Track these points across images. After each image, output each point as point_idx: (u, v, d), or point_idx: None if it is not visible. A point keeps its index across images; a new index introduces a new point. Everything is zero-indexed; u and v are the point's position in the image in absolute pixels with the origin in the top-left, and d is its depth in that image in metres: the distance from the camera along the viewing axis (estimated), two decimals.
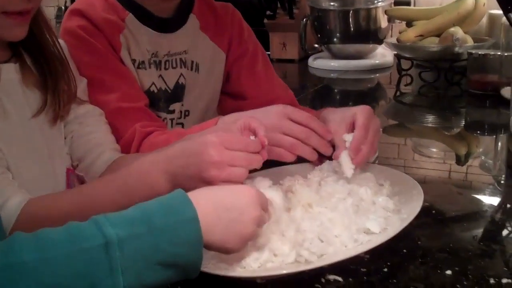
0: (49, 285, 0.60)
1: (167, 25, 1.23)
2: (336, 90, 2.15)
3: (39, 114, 0.96)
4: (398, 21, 2.31)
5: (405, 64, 2.11)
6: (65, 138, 1.02)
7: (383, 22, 2.25)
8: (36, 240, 0.63)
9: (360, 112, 1.02)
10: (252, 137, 0.87)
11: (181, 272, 0.68)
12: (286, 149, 0.97)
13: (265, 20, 2.41)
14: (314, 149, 1.00)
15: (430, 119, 1.72)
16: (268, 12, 2.41)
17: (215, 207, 0.72)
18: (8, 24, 0.88)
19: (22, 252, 0.61)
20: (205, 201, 0.71)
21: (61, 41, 1.05)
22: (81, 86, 1.06)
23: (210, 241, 0.70)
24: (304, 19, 2.28)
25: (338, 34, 2.28)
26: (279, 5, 2.40)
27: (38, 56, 0.98)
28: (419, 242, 0.88)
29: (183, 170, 0.82)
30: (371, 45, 2.30)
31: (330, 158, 1.02)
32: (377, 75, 2.24)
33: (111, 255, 0.63)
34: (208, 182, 0.79)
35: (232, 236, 0.72)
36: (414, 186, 0.93)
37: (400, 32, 2.12)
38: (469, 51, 1.83)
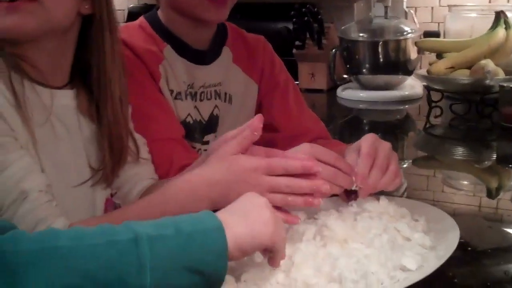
0: (78, 272, 0.61)
1: (202, 57, 1.25)
2: (365, 121, 2.15)
3: (96, 184, 0.98)
4: (428, 52, 2.31)
5: (435, 96, 2.10)
6: None
7: (413, 54, 2.26)
8: (71, 231, 0.65)
9: (363, 141, 1.01)
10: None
11: (205, 281, 0.68)
12: None
13: (294, 50, 2.42)
14: None
15: (460, 152, 1.71)
16: (297, 42, 2.42)
17: (231, 211, 0.75)
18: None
19: (57, 239, 0.63)
20: (224, 211, 0.74)
21: None
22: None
23: (239, 236, 0.71)
24: (333, 50, 2.29)
25: (367, 65, 2.28)
26: (308, 35, 2.42)
27: (95, 84, 0.99)
28: (455, 280, 0.87)
29: (224, 197, 0.83)
30: (400, 77, 2.30)
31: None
32: (406, 106, 2.24)
33: (140, 250, 0.64)
34: None
35: (254, 222, 0.73)
36: (450, 222, 0.92)
37: (430, 64, 2.12)
38: (500, 84, 1.83)
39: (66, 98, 0.97)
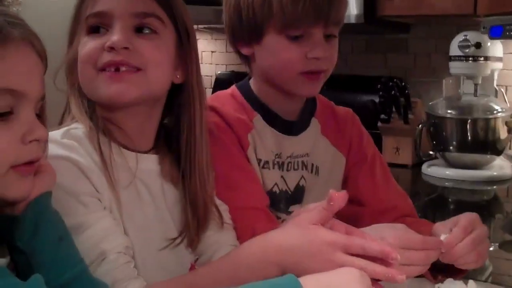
0: None
1: (291, 127, 1.26)
2: (450, 200, 2.09)
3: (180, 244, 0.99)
4: None
5: None
6: None
7: (503, 133, 2.19)
8: None
9: (464, 216, 1.02)
10: None
11: None
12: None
13: (379, 124, 2.41)
14: None
15: None
16: (382, 116, 2.41)
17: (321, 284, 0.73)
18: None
19: None
20: (313, 282, 0.72)
21: None
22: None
23: None
24: (420, 125, 2.26)
25: (454, 143, 2.23)
26: (394, 109, 2.40)
27: (182, 151, 1.01)
28: None
29: (295, 265, 0.82)
30: (489, 156, 2.23)
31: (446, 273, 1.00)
32: (494, 187, 2.16)
33: None
34: None
35: None
36: None
37: None
38: None
39: (150, 163, 0.99)
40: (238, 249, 0.90)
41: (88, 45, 0.94)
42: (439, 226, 1.04)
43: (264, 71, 1.23)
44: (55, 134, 0.90)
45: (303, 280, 0.73)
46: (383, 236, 0.93)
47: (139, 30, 0.95)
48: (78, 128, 0.93)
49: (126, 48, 0.92)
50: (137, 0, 0.95)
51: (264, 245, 0.87)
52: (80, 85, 0.96)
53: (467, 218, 1.01)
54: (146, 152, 1.00)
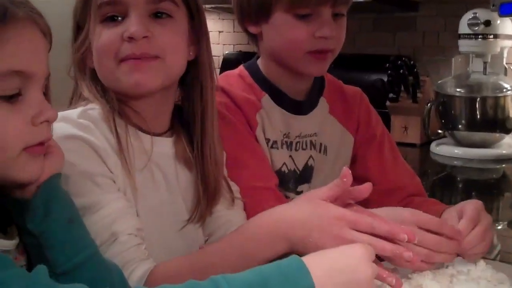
0: None
1: (300, 107, 1.26)
2: (459, 179, 2.09)
3: (192, 221, 1.00)
4: None
5: None
6: None
7: None
8: None
9: (469, 203, 1.01)
10: None
11: None
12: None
13: (388, 103, 2.40)
14: None
15: None
16: (391, 95, 2.40)
17: (330, 273, 0.72)
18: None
19: None
20: (319, 268, 0.71)
21: None
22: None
23: None
24: (429, 104, 2.25)
25: (463, 121, 2.22)
26: (402, 88, 2.39)
27: (196, 129, 1.01)
28: None
29: (303, 240, 0.83)
30: (498, 135, 2.22)
31: None
32: (503, 165, 2.15)
33: None
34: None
35: (351, 282, 0.72)
36: None
37: None
38: None
39: (165, 145, 0.99)
40: (247, 223, 0.91)
41: (104, 35, 0.93)
42: (445, 216, 1.03)
43: (271, 50, 1.22)
44: (71, 114, 0.90)
45: (307, 258, 0.73)
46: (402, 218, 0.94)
47: (154, 15, 0.94)
48: (95, 109, 0.93)
49: (145, 37, 0.92)
50: None
51: (273, 219, 0.88)
52: (91, 70, 0.96)
53: (473, 208, 1.00)
54: (161, 135, 1.00)
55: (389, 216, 0.95)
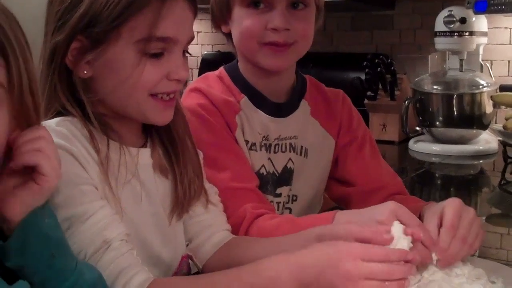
0: None
1: (279, 109, 1.26)
2: (437, 175, 2.10)
3: (172, 214, 1.00)
4: (504, 107, 2.25)
5: (511, 152, 2.04)
6: None
7: (488, 108, 2.21)
8: None
9: (447, 207, 0.99)
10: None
11: None
12: None
13: (366, 101, 2.41)
14: None
15: None
16: (369, 93, 2.42)
17: None
18: (155, 108, 0.92)
19: None
20: None
21: None
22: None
23: None
24: (406, 101, 2.26)
25: (440, 118, 2.24)
26: (380, 86, 2.41)
27: (168, 145, 1.01)
28: None
29: (317, 281, 0.81)
30: (475, 131, 2.25)
31: None
32: (481, 161, 2.18)
33: None
34: None
35: None
36: None
37: (506, 119, 2.06)
38: None
39: (144, 158, 0.98)
40: (258, 263, 0.87)
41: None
42: (426, 222, 1.00)
43: (237, 45, 1.23)
44: (49, 122, 0.88)
45: None
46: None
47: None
48: (72, 120, 0.90)
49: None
50: None
51: (285, 259, 0.85)
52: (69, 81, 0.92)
53: (451, 211, 0.98)
54: (140, 147, 0.99)
55: (371, 217, 0.96)
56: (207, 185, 1.07)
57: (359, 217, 1.01)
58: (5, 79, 0.70)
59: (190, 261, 1.05)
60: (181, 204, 1.00)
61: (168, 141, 1.01)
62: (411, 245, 0.89)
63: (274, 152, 1.25)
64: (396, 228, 0.91)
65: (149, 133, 1.01)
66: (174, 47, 0.91)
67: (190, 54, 0.97)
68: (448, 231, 0.95)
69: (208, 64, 2.76)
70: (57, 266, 0.73)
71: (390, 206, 0.97)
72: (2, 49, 0.70)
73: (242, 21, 1.17)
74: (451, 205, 0.99)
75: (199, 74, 1.28)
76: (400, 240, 0.88)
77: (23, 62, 0.72)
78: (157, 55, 0.90)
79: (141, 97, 0.90)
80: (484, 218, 1.53)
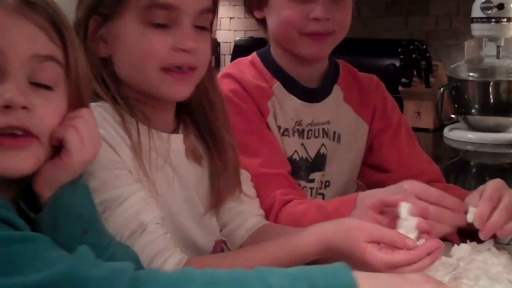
0: None
1: (312, 95, 1.25)
2: (472, 163, 2.08)
3: (210, 208, 1.01)
4: None
5: None
6: None
7: None
8: (205, 275, 0.68)
9: (488, 184, 0.99)
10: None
11: None
12: None
13: (400, 88, 2.38)
14: None
15: None
16: (403, 80, 2.39)
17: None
18: (167, 82, 0.92)
19: (192, 283, 0.66)
20: (366, 281, 0.71)
21: None
22: None
23: None
24: (441, 89, 2.23)
25: (476, 106, 2.21)
26: (415, 73, 2.38)
27: (206, 135, 1.02)
28: None
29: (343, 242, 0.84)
30: (511, 119, 2.21)
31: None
32: None
33: None
34: None
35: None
36: None
37: None
38: None
39: (177, 143, 0.99)
40: (284, 237, 0.91)
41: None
42: (468, 199, 1.01)
43: (273, 33, 1.23)
44: None
45: (357, 274, 0.72)
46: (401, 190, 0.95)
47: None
48: (105, 105, 0.91)
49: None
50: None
51: (308, 229, 0.89)
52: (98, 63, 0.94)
53: (492, 186, 0.99)
54: (172, 132, 0.99)
55: (390, 191, 0.97)
56: (241, 170, 1.07)
57: (379, 195, 1.00)
58: (63, 60, 0.74)
59: (224, 246, 1.06)
60: (217, 197, 1.01)
61: (206, 131, 1.01)
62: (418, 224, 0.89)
63: (307, 137, 1.25)
64: (403, 209, 0.91)
65: (182, 119, 1.01)
66: (180, 17, 0.91)
67: (207, 29, 0.96)
68: (486, 200, 0.96)
69: (240, 50, 2.76)
70: (88, 242, 0.74)
71: (404, 185, 0.98)
72: (59, 32, 0.74)
73: (282, 10, 1.17)
74: (492, 182, 1.00)
75: (232, 60, 1.27)
76: (405, 222, 0.89)
77: (77, 47, 0.76)
78: (162, 26, 0.90)
79: (153, 71, 0.91)
80: None
